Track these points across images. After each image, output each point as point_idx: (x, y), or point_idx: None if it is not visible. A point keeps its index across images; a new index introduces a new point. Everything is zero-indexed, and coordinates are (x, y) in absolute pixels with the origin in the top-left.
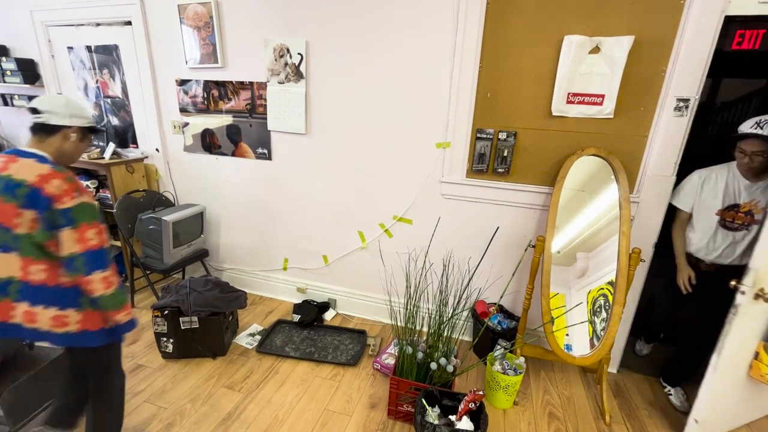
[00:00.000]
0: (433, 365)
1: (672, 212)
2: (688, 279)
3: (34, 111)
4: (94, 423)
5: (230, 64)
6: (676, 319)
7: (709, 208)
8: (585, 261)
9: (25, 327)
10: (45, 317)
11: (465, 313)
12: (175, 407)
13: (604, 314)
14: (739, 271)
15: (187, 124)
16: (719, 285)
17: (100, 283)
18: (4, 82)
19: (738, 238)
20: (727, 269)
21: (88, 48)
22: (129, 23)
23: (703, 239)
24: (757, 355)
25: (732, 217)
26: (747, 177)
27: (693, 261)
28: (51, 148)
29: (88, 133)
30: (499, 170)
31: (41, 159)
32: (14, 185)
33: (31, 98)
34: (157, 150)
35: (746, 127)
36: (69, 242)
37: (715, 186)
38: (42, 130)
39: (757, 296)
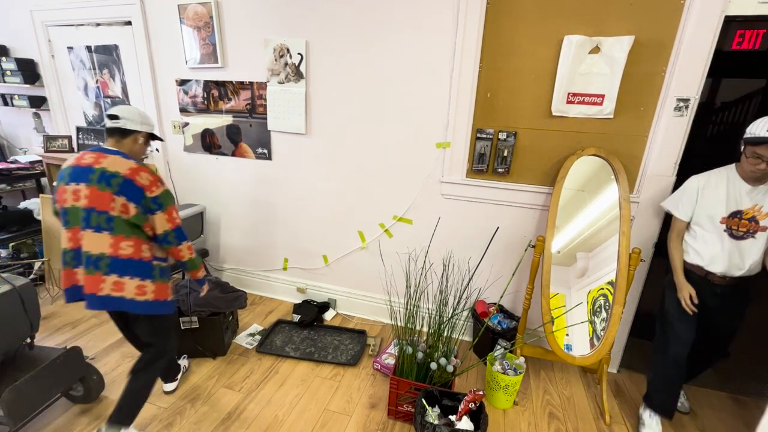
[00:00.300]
0: (433, 365)
1: (667, 222)
2: (689, 297)
3: (113, 117)
4: (151, 376)
5: (230, 64)
6: (700, 343)
7: (712, 217)
8: (585, 261)
9: (113, 296)
10: (131, 287)
11: (465, 313)
12: (175, 407)
13: (604, 314)
14: (750, 281)
15: (187, 124)
16: (735, 299)
17: (187, 250)
18: (4, 82)
19: (744, 247)
20: (739, 281)
21: (88, 48)
22: (129, 23)
23: (713, 250)
24: None
25: (736, 225)
26: (748, 181)
27: (702, 274)
28: (125, 149)
29: (150, 138)
30: (499, 170)
31: (125, 156)
32: (110, 176)
33: (30, 98)
34: (157, 150)
35: (762, 130)
36: (162, 222)
37: (715, 192)
38: (118, 133)
39: None
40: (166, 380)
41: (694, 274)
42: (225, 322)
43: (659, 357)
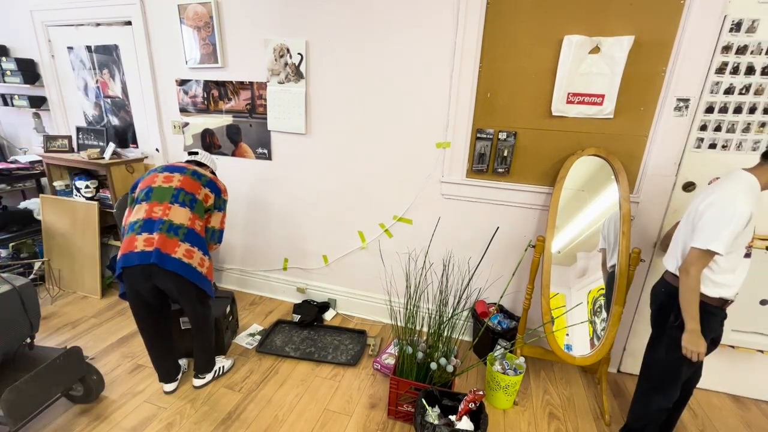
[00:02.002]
0: (433, 365)
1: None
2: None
3: (194, 153)
4: (205, 340)
5: (230, 64)
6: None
7: (746, 241)
8: (585, 261)
9: (184, 262)
10: (197, 257)
11: (465, 313)
12: (175, 407)
13: (604, 314)
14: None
15: (187, 124)
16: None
17: (217, 250)
18: (4, 82)
19: (748, 265)
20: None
21: (88, 48)
22: (129, 23)
23: (742, 277)
24: None
25: (751, 242)
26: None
27: (722, 307)
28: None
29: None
30: (499, 170)
31: (205, 167)
32: (200, 175)
33: (31, 98)
34: (157, 150)
35: None
36: (218, 220)
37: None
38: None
39: None
40: (167, 381)
41: (713, 308)
42: (225, 322)
43: (656, 401)
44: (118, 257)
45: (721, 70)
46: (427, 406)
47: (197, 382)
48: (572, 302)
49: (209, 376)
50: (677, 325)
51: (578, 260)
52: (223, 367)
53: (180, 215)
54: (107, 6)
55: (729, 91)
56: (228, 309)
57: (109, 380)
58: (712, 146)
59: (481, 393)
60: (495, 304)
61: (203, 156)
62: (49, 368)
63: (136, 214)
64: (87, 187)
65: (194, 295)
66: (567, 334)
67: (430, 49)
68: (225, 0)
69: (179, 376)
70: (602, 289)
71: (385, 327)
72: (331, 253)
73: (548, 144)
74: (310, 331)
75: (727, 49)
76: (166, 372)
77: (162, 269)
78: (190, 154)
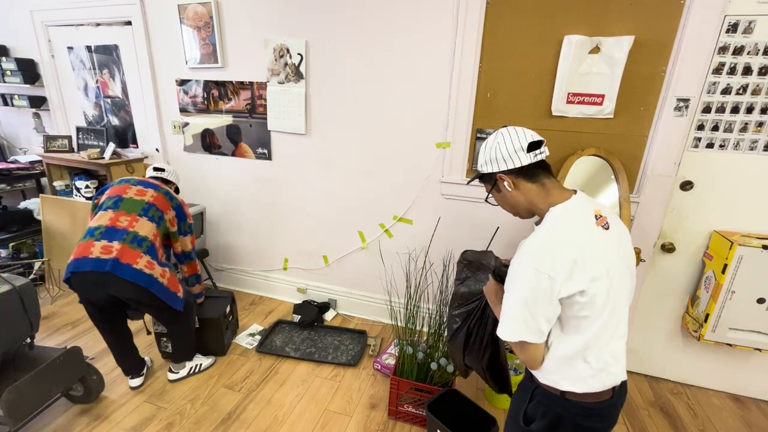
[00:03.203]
0: (434, 365)
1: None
2: None
3: (158, 169)
4: (179, 333)
5: (230, 64)
6: None
7: None
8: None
9: (145, 272)
10: (158, 269)
11: None
12: (175, 407)
13: None
14: None
15: (187, 124)
16: None
17: (196, 267)
18: (4, 82)
19: None
20: None
21: (88, 48)
22: (129, 23)
23: None
24: None
25: None
26: None
27: None
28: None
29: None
30: None
31: (170, 184)
32: (171, 197)
33: (30, 98)
34: (157, 150)
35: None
36: (186, 243)
37: None
38: (162, 181)
39: None
40: (131, 375)
41: None
42: (225, 322)
43: None
44: (69, 261)
45: (718, 71)
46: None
47: (171, 376)
48: None
49: (183, 371)
50: None
51: None
52: (201, 365)
53: (146, 228)
54: (107, 6)
55: (726, 91)
56: (228, 309)
57: (109, 380)
58: (710, 146)
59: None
60: None
61: (169, 173)
62: (49, 368)
63: (98, 220)
64: (87, 187)
65: (156, 305)
66: None
67: (429, 48)
68: (225, 0)
69: (144, 371)
70: None
71: (385, 327)
72: (332, 253)
73: (548, 144)
74: (311, 331)
75: (723, 49)
76: (130, 367)
77: (119, 279)
78: (156, 170)
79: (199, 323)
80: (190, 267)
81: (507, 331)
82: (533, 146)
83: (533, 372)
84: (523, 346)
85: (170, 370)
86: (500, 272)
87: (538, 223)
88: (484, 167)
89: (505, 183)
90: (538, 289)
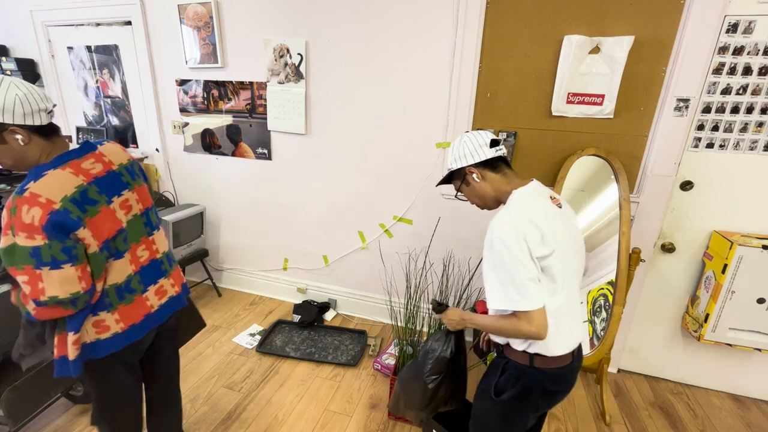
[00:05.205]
0: None
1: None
2: None
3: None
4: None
5: (230, 64)
6: None
7: None
8: (585, 261)
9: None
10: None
11: None
12: None
13: (604, 314)
14: None
15: (187, 124)
16: None
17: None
18: None
19: None
20: None
21: (88, 48)
22: (129, 23)
23: None
24: None
25: None
26: None
27: None
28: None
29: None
30: None
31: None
32: (134, 173)
33: None
34: (157, 150)
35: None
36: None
37: None
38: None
39: None
40: None
41: None
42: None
43: None
44: (107, 337)
45: (718, 71)
46: None
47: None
48: None
49: None
50: None
51: None
52: None
53: (163, 240)
54: (107, 6)
55: (726, 91)
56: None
57: None
58: (710, 146)
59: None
60: None
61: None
62: (49, 368)
63: (119, 269)
64: None
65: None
66: None
67: (429, 48)
68: (225, 0)
69: None
70: (602, 289)
71: (385, 327)
72: (332, 253)
73: (548, 144)
74: (311, 331)
75: (723, 50)
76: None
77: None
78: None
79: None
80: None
81: (497, 298)
82: (494, 143)
83: (539, 340)
84: (528, 317)
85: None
86: (434, 305)
87: None
88: (454, 164)
89: (474, 175)
90: (519, 252)
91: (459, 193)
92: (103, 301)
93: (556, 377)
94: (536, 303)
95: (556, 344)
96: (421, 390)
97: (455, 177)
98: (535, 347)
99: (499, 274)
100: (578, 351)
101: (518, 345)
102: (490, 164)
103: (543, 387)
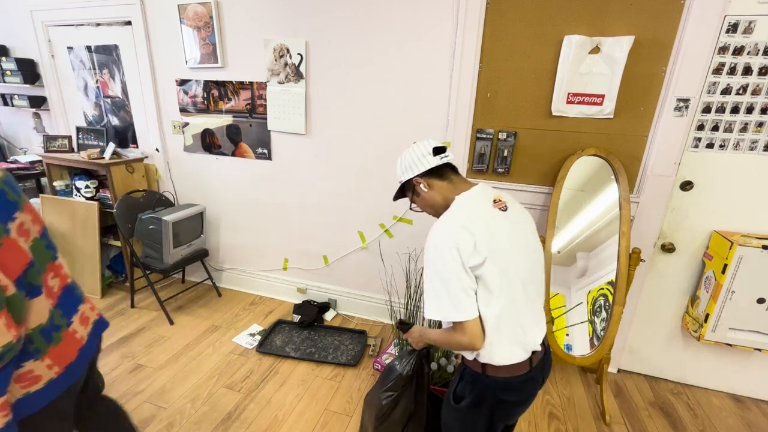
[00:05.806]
0: (433, 365)
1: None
2: None
3: None
4: None
5: (230, 64)
6: None
7: None
8: (585, 261)
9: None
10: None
11: None
12: (175, 407)
13: (604, 314)
14: None
15: (187, 124)
16: None
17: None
18: (4, 82)
19: None
20: None
21: (88, 48)
22: (129, 23)
23: None
24: None
25: None
26: None
27: None
28: None
29: None
30: (499, 170)
31: None
32: (13, 185)
33: (30, 98)
34: (157, 150)
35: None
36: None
37: None
38: None
39: None
40: None
41: None
42: None
43: None
44: (39, 388)
45: (718, 71)
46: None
47: None
48: (572, 302)
49: None
50: None
51: (578, 260)
52: None
53: (64, 263)
54: (107, 6)
55: (726, 91)
56: None
57: (109, 380)
58: (710, 146)
59: None
60: None
61: None
62: None
63: (38, 313)
64: (87, 187)
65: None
66: (567, 334)
67: (429, 48)
68: (225, 0)
69: None
70: (602, 289)
71: (385, 327)
72: (332, 253)
73: (548, 144)
74: (311, 331)
75: (723, 50)
76: None
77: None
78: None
79: None
80: None
81: (432, 309)
82: (438, 150)
83: (475, 351)
84: (461, 327)
85: None
86: (397, 324)
87: None
88: (402, 176)
89: (422, 185)
90: (451, 261)
91: (413, 205)
92: (28, 350)
93: (507, 386)
94: (469, 314)
95: (499, 353)
96: (376, 406)
97: (407, 189)
98: (482, 356)
99: (433, 284)
100: (542, 361)
101: (469, 354)
102: (436, 172)
103: (495, 395)
